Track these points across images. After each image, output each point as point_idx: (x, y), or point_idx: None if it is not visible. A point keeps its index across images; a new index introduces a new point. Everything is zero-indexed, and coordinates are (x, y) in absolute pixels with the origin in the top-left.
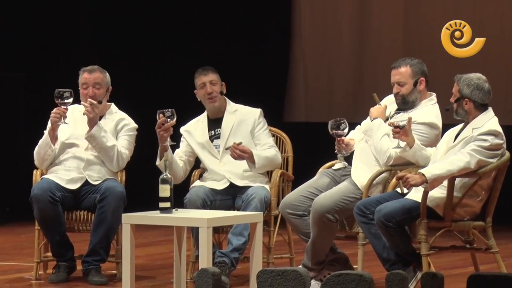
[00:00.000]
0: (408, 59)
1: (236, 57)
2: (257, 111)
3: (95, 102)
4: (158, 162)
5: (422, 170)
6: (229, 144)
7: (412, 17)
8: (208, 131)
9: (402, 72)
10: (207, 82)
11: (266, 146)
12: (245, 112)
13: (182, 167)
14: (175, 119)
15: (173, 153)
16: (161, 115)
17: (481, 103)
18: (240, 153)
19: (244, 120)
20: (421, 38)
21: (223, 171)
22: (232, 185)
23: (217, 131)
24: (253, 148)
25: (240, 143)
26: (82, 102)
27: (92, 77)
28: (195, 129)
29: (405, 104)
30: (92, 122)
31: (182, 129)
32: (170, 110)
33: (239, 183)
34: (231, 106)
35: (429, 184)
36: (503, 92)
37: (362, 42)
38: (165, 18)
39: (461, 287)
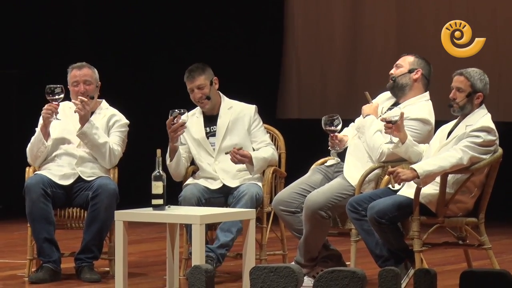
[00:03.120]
0: (418, 54)
1: (229, 53)
2: (252, 108)
3: (85, 99)
4: (169, 162)
5: (413, 166)
6: (226, 144)
7: (405, 13)
8: (204, 127)
9: (405, 58)
10: (195, 87)
11: (263, 144)
12: (241, 109)
13: (184, 164)
14: (186, 120)
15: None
16: (174, 113)
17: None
18: (240, 158)
19: (239, 117)
20: (414, 35)
21: (218, 170)
22: (225, 185)
23: (212, 129)
24: (249, 146)
25: (241, 148)
26: (72, 100)
27: (82, 73)
28: (191, 125)
29: (394, 87)
30: (83, 119)
31: None
32: (180, 110)
33: (232, 184)
34: (226, 102)
35: (421, 180)
36: (496, 88)
37: (355, 38)
38: (157, 13)
39: (454, 283)
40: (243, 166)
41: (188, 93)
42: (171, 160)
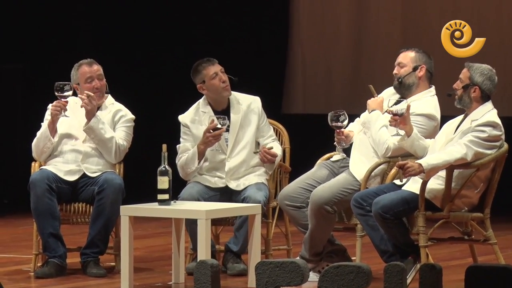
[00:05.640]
0: (417, 48)
1: (234, 48)
2: (258, 100)
3: (92, 94)
4: (196, 165)
5: (419, 161)
6: (240, 139)
7: (410, 9)
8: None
9: (406, 55)
10: (219, 71)
11: (270, 139)
12: (248, 102)
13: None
14: (225, 127)
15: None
16: (214, 120)
17: (488, 94)
18: (270, 157)
19: (249, 111)
20: (419, 29)
21: (227, 168)
22: (228, 186)
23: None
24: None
25: (271, 148)
26: (79, 95)
27: (94, 69)
28: (202, 120)
29: (401, 87)
30: (90, 114)
31: (185, 120)
32: (224, 117)
33: (236, 187)
34: (233, 95)
35: (426, 174)
36: (501, 82)
37: (360, 33)
38: (162, 9)
39: (459, 278)
40: (252, 164)
41: (193, 88)
42: (199, 163)
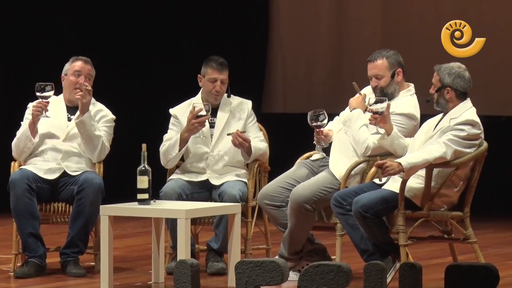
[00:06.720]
0: (383, 51)
1: (214, 47)
2: (250, 103)
3: (90, 88)
4: (177, 152)
5: (399, 160)
6: (223, 137)
7: (390, 7)
8: None
9: (379, 65)
10: (219, 79)
11: (257, 139)
12: (238, 102)
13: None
14: (209, 113)
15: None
16: (196, 106)
17: (462, 91)
18: (241, 141)
19: (237, 111)
20: (400, 28)
21: (209, 160)
22: (209, 181)
23: (211, 120)
24: None
25: (244, 131)
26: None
27: (87, 68)
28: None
29: (384, 96)
30: (85, 108)
31: (175, 111)
32: (207, 104)
33: (217, 182)
34: (224, 95)
35: (405, 173)
36: (482, 81)
37: (341, 32)
38: (144, 9)
39: (439, 277)
40: (233, 161)
41: (173, 89)
42: (179, 150)
